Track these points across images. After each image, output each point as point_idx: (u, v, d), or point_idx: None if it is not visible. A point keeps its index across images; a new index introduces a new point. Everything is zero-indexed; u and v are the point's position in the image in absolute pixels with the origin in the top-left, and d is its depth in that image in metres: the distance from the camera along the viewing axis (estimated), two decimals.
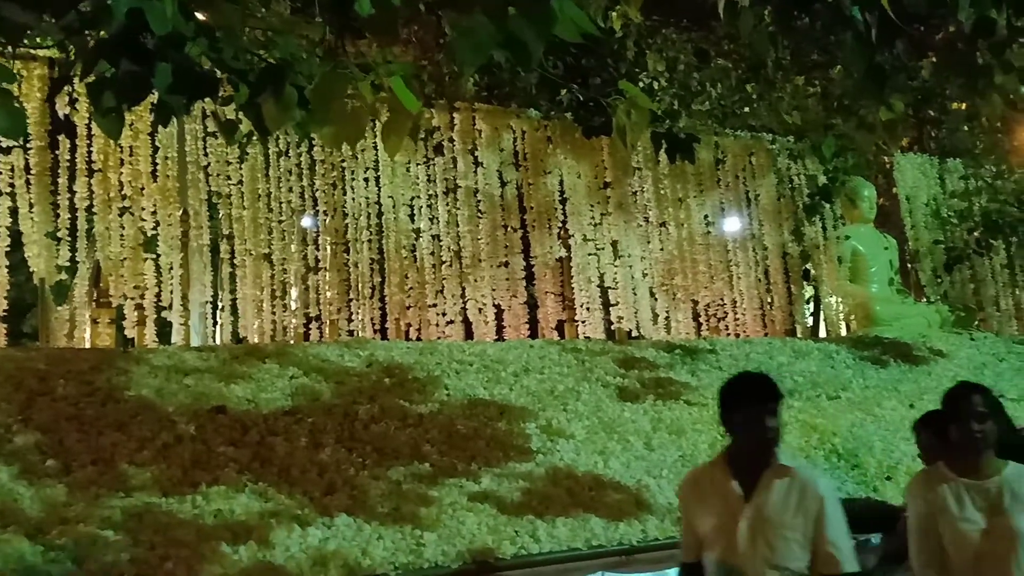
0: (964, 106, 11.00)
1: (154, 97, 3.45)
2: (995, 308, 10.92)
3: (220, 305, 7.42)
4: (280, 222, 7.56)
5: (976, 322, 10.50)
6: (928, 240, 10.88)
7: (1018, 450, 3.58)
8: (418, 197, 8.17)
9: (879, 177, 11.12)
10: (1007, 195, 10.95)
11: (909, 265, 11.02)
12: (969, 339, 9.35)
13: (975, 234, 10.75)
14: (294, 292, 7.58)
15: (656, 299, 9.11)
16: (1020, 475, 3.26)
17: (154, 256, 7.01)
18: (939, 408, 4.18)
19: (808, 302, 10.79)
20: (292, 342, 7.33)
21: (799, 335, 9.70)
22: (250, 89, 3.52)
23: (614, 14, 8.44)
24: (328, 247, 7.75)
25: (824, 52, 9.53)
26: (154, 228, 7.04)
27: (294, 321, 7.56)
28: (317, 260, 7.72)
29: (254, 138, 6.44)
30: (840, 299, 10.17)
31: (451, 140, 8.37)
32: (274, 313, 7.45)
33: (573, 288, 8.74)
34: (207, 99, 4.05)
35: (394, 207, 8.04)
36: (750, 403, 3.00)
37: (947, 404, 3.40)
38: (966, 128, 11.66)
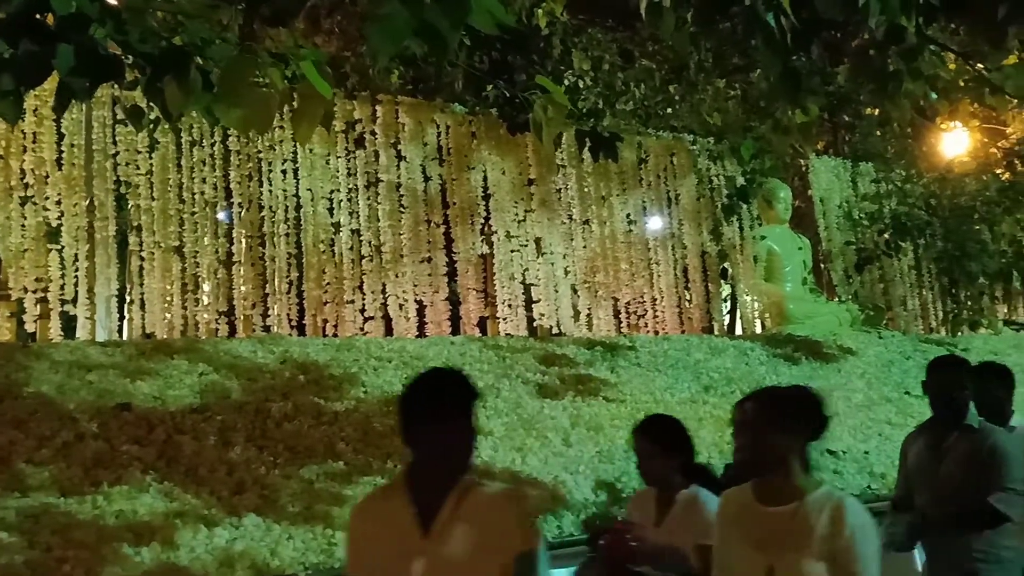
0: (876, 111, 11.35)
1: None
2: (903, 307, 11.31)
3: (128, 299, 7.18)
4: (192, 214, 7.35)
5: (884, 321, 10.83)
6: (840, 241, 11.20)
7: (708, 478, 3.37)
8: (338, 190, 8.03)
9: (795, 179, 11.39)
10: (915, 198, 11.34)
11: (822, 265, 11.32)
12: (877, 337, 9.64)
13: (885, 236, 11.09)
14: (206, 286, 7.38)
15: (578, 296, 9.16)
16: (824, 503, 2.60)
17: (58, 248, 6.74)
18: (664, 413, 3.82)
19: (725, 300, 11.01)
20: (204, 338, 7.13)
21: (716, 332, 9.88)
22: (152, 72, 3.40)
23: (540, 11, 8.47)
24: (243, 240, 7.57)
25: (744, 56, 9.72)
26: (58, 218, 6.78)
27: (206, 316, 7.35)
28: (231, 254, 7.53)
29: (165, 126, 6.25)
30: (755, 297, 10.39)
31: (373, 133, 8.25)
32: (184, 308, 7.24)
33: (495, 285, 8.72)
34: (115, 84, 3.88)
35: (313, 200, 7.89)
36: (428, 408, 2.36)
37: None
38: (878, 133, 12.04)
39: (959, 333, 11.08)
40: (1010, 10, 3.95)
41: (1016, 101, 7.98)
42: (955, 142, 12.27)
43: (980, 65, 6.83)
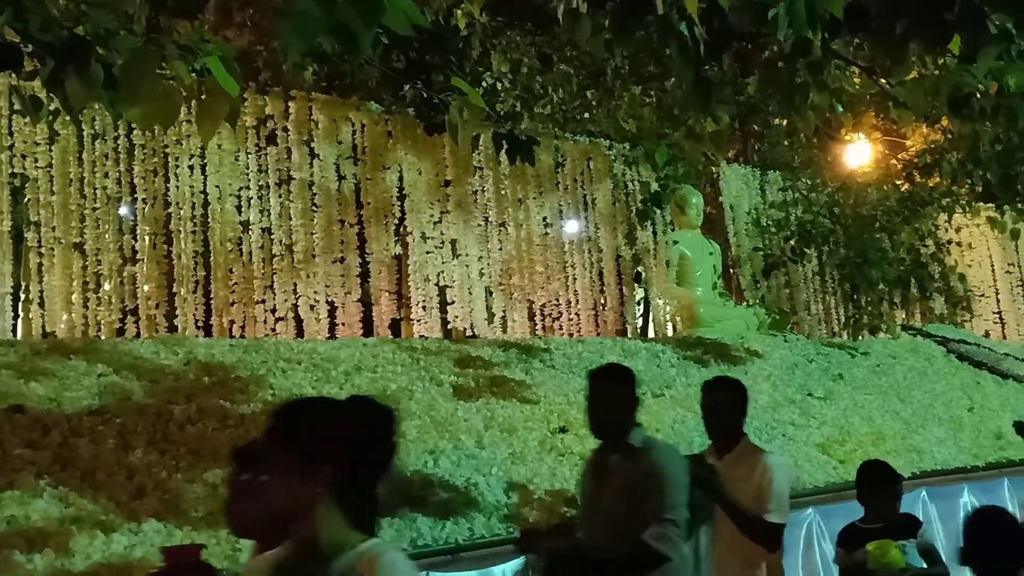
0: (784, 122, 11.67)
1: None
2: (807, 312, 11.66)
3: (25, 297, 6.88)
4: (94, 209, 7.09)
5: (789, 325, 11.15)
6: (749, 247, 11.48)
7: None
8: (248, 188, 7.85)
9: (706, 186, 11.62)
10: (820, 207, 11.70)
11: (731, 270, 11.57)
12: (783, 341, 9.91)
13: (791, 242, 11.39)
14: (108, 285, 7.12)
15: (493, 298, 9.16)
16: (350, 567, 1.79)
17: None
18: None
19: (639, 303, 11.17)
20: (106, 338, 6.88)
21: (629, 335, 10.01)
22: (53, 63, 3.26)
23: (459, 12, 8.46)
24: (147, 238, 7.33)
25: (659, 64, 9.87)
26: None
27: (107, 316, 7.09)
28: (135, 251, 7.28)
29: (66, 118, 6.00)
30: (667, 301, 10.57)
31: (286, 130, 8.09)
32: (85, 307, 6.98)
33: (409, 286, 8.65)
34: (12, 74, 3.73)
35: (221, 197, 7.69)
36: None
37: None
38: (786, 143, 12.41)
39: (859, 337, 11.47)
40: (908, 26, 4.10)
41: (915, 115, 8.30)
42: (858, 153, 12.71)
43: (883, 80, 7.09)
